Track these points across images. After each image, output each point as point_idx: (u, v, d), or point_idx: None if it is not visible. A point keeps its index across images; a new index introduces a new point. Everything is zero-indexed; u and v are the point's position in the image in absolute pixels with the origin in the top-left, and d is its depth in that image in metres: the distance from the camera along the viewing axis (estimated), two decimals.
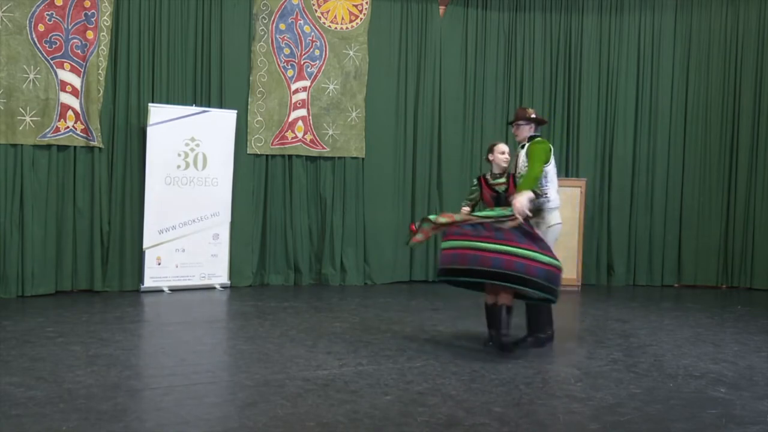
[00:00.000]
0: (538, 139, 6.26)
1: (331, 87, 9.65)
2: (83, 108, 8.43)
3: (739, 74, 10.08)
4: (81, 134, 8.44)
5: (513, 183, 6.11)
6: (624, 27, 10.26)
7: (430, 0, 10.05)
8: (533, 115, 6.35)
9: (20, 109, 8.13)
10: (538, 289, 5.78)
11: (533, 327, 6.37)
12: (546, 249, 5.85)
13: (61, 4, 8.28)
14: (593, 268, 10.17)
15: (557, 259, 5.89)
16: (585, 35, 10.25)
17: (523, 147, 6.28)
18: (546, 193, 6.12)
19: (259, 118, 9.39)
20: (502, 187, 6.13)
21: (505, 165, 6.20)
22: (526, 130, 6.32)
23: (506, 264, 5.69)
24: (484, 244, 5.79)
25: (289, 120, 9.50)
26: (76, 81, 8.40)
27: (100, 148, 8.59)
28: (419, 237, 6.25)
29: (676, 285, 10.25)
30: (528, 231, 5.87)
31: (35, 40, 8.18)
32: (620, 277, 10.22)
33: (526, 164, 6.10)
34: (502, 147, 6.24)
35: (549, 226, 6.15)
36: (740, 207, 10.11)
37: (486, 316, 6.30)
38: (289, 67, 9.49)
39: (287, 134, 9.49)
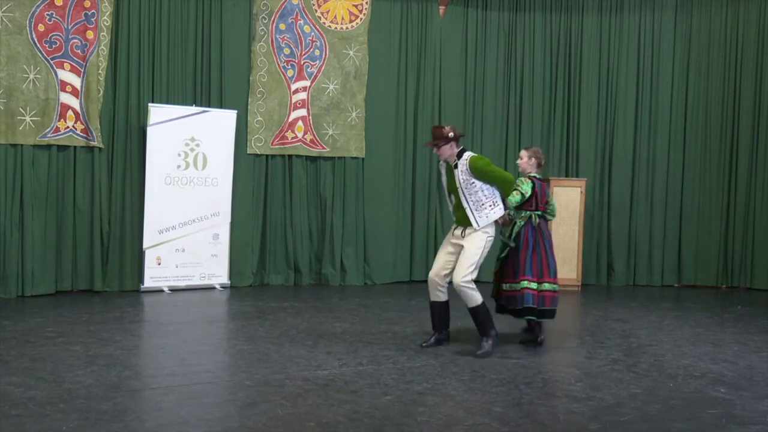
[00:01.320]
0: (475, 155, 6.09)
1: (331, 87, 9.65)
2: (83, 108, 8.44)
3: (739, 74, 10.08)
4: (81, 134, 8.44)
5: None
6: (624, 27, 10.26)
7: (430, 0, 10.05)
8: (451, 134, 6.06)
9: (20, 109, 8.13)
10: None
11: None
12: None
13: (61, 4, 8.28)
14: (593, 268, 10.17)
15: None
16: (585, 35, 10.25)
17: (456, 166, 6.06)
18: (498, 203, 6.09)
19: (259, 118, 9.39)
20: None
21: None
22: (448, 149, 6.09)
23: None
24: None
25: (289, 120, 9.50)
26: (76, 81, 8.40)
27: (100, 148, 8.59)
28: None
29: (676, 285, 10.25)
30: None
31: (35, 40, 8.19)
32: (620, 277, 10.22)
33: (472, 182, 5.99)
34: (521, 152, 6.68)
35: (489, 235, 6.09)
36: (740, 207, 10.11)
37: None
38: (289, 67, 9.49)
39: (287, 134, 9.49)
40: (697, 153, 10.23)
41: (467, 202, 6.03)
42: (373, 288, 9.59)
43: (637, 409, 4.78)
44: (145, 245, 8.70)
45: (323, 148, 9.63)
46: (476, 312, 6.11)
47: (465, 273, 5.99)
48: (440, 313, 6.33)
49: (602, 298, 9.21)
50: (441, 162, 6.30)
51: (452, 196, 6.23)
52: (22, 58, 8.12)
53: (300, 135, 9.53)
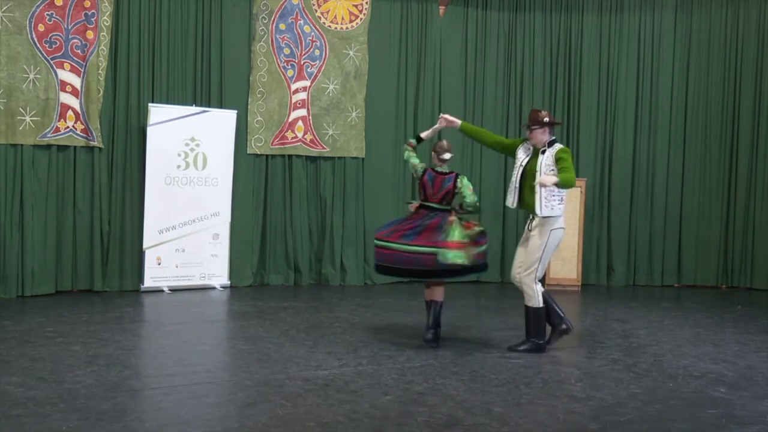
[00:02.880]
0: (565, 147, 6.25)
1: (331, 87, 9.65)
2: (83, 108, 8.43)
3: (739, 74, 10.08)
4: (81, 134, 8.44)
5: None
6: (624, 27, 10.25)
7: (430, 0, 10.05)
8: (546, 119, 6.24)
9: (20, 109, 8.13)
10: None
11: (531, 332, 6.31)
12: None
13: (61, 4, 8.28)
14: (593, 268, 10.17)
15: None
16: (585, 35, 10.24)
17: (543, 152, 6.18)
18: (563, 200, 6.15)
19: (259, 118, 9.39)
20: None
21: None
22: (540, 134, 6.24)
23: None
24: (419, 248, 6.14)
25: (289, 120, 9.50)
26: (76, 81, 8.40)
27: (100, 148, 8.59)
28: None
29: (676, 285, 10.25)
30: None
31: (35, 40, 8.18)
32: (620, 277, 10.22)
33: (553, 168, 6.08)
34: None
35: (552, 229, 6.12)
36: (740, 207, 10.11)
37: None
38: (289, 67, 9.49)
39: (287, 134, 9.49)
40: (697, 153, 10.22)
41: (541, 189, 6.06)
42: (373, 288, 9.59)
43: (637, 409, 4.78)
44: (145, 245, 8.69)
45: (323, 148, 9.63)
46: (528, 312, 6.22)
47: (527, 270, 6.16)
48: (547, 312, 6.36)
49: (602, 298, 9.21)
50: (526, 145, 6.36)
51: (526, 181, 6.21)
52: (22, 58, 8.12)
53: (300, 135, 9.53)
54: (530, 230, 6.20)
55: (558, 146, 6.22)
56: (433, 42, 10.08)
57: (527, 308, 6.22)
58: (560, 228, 6.19)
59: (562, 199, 6.13)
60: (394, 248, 6.23)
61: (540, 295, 6.17)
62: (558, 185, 5.98)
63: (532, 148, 6.31)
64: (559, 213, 6.12)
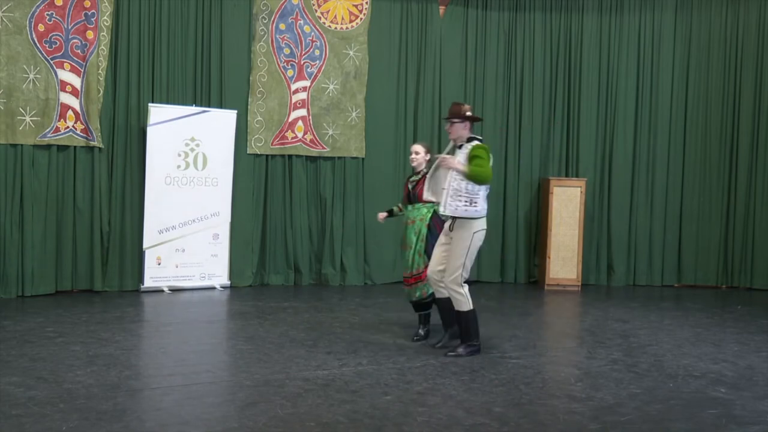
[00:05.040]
0: (482, 144, 5.92)
1: (331, 87, 9.65)
2: (83, 108, 8.44)
3: (739, 74, 10.08)
4: (81, 134, 8.44)
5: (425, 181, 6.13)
6: (624, 27, 10.25)
7: (430, 0, 10.05)
8: (468, 113, 5.96)
9: (20, 109, 8.13)
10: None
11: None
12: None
13: (61, 4, 8.28)
14: (593, 268, 10.17)
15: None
16: (585, 35, 10.24)
17: (460, 147, 5.94)
18: (476, 203, 5.82)
19: (259, 118, 9.39)
20: (412, 184, 6.53)
21: (414, 165, 6.52)
22: (460, 128, 5.95)
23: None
24: None
25: (289, 120, 9.50)
26: (76, 81, 8.40)
27: (100, 148, 8.59)
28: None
29: (676, 285, 10.24)
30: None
31: (35, 40, 8.18)
32: (620, 277, 10.22)
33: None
34: (415, 147, 6.57)
35: (475, 232, 5.86)
36: (740, 207, 10.11)
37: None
38: (289, 67, 9.49)
39: (287, 134, 9.49)
40: (697, 153, 10.22)
41: (448, 185, 5.83)
42: (373, 288, 9.59)
43: (637, 409, 4.78)
44: (145, 245, 8.70)
45: (323, 148, 9.63)
46: (459, 317, 6.01)
47: (452, 274, 5.88)
48: (443, 310, 6.29)
49: (602, 298, 9.21)
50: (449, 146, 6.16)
51: (441, 178, 5.97)
52: (22, 58, 8.12)
53: (300, 135, 9.53)
54: (451, 230, 5.90)
55: (476, 143, 5.90)
56: (433, 42, 10.08)
57: (458, 313, 5.96)
58: (482, 230, 5.93)
59: (472, 201, 5.79)
60: None
61: (469, 297, 5.91)
62: (466, 175, 5.70)
63: (451, 143, 6.10)
64: (464, 215, 5.80)
